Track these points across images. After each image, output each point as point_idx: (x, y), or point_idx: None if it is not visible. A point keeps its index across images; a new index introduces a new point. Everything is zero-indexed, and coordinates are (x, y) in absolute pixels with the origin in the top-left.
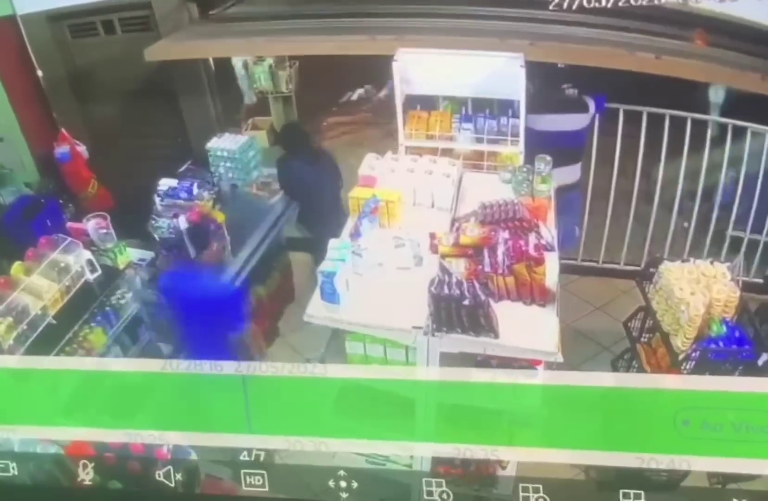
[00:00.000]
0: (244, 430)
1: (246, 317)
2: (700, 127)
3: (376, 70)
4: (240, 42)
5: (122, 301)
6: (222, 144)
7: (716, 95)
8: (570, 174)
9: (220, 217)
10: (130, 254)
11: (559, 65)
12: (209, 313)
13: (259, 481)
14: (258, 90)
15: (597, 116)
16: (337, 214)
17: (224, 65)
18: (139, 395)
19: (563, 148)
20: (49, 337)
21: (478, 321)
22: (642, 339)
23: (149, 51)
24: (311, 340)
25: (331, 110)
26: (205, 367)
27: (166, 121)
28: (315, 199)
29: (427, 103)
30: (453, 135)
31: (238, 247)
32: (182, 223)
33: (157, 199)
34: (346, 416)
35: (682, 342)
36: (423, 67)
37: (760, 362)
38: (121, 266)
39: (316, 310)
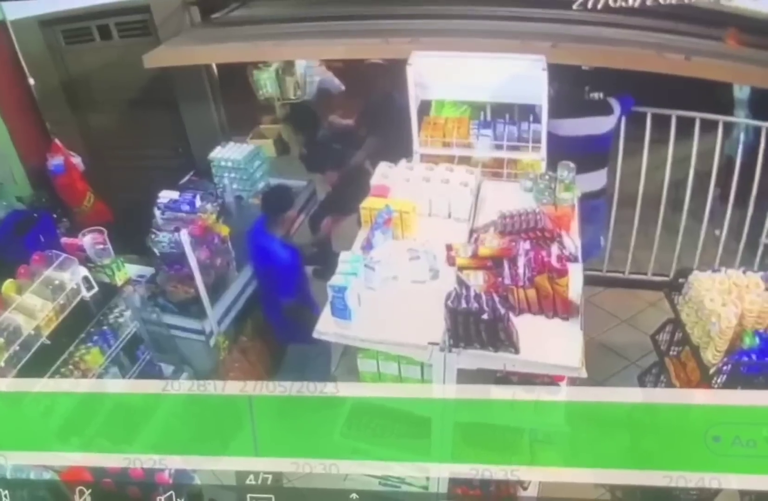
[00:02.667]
0: (251, 453)
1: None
2: (731, 130)
3: (389, 74)
4: (245, 46)
5: (120, 320)
6: (226, 154)
7: (742, 94)
8: (594, 181)
9: (224, 230)
10: (129, 270)
11: (582, 67)
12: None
13: None
14: (264, 97)
15: (623, 119)
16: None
17: (228, 71)
18: (139, 418)
19: (587, 153)
20: (43, 359)
21: (498, 336)
22: (671, 352)
23: (148, 57)
24: (321, 358)
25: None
26: (209, 387)
27: (167, 130)
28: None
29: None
30: (471, 142)
31: (244, 262)
32: (184, 237)
33: (157, 213)
34: (358, 437)
35: (712, 355)
36: (439, 71)
37: None
38: (119, 283)
39: (326, 326)
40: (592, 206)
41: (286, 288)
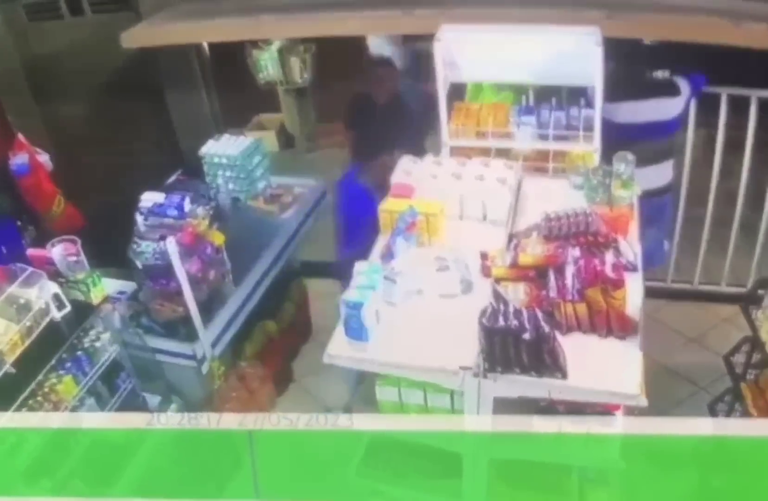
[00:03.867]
0: (251, 496)
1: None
2: None
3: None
4: (242, 22)
5: (97, 344)
6: (220, 148)
7: None
8: (659, 175)
9: (218, 238)
10: (107, 286)
11: (644, 41)
12: None
13: None
14: (264, 81)
15: (692, 101)
16: None
17: (222, 52)
18: (120, 456)
19: (650, 142)
20: (8, 389)
21: (542, 358)
22: (747, 377)
23: (127, 36)
24: (334, 385)
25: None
26: (202, 420)
27: (150, 121)
28: None
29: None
30: (510, 131)
31: (242, 275)
32: (171, 246)
33: (139, 218)
34: (378, 476)
35: None
36: (472, 48)
37: None
38: (96, 301)
39: (339, 348)
40: (655, 205)
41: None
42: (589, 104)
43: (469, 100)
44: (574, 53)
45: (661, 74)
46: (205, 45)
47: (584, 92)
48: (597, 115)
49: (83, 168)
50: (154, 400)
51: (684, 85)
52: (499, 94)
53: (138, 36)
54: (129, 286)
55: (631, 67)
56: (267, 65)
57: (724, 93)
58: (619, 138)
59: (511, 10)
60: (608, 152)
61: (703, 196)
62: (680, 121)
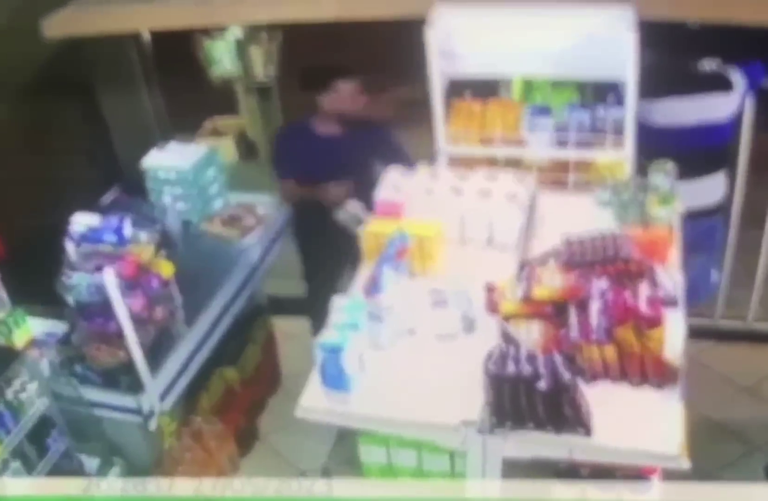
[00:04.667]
0: None
1: None
2: None
3: (402, 41)
4: (190, 5)
5: (23, 396)
6: (166, 160)
7: None
8: (707, 190)
9: (166, 269)
10: (32, 327)
11: (689, 25)
12: None
13: None
14: (219, 78)
15: (750, 99)
16: None
17: (168, 43)
18: None
19: (696, 149)
20: None
21: (561, 411)
22: None
23: (49, 22)
24: (308, 444)
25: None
26: (150, 487)
27: (80, 127)
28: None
29: (483, 89)
30: (522, 137)
31: (196, 313)
32: (109, 279)
33: (70, 245)
34: None
35: None
36: (473, 35)
37: None
38: (20, 345)
39: (314, 400)
40: (703, 228)
41: None
42: (620, 102)
43: (517, 99)
44: (602, 39)
45: (709, 65)
46: (146, 34)
47: (614, 88)
48: (629, 115)
49: (0, 184)
50: (92, 462)
51: (738, 78)
52: (558, 92)
53: (63, 22)
54: (59, 326)
55: (673, 57)
56: (222, 58)
57: None
58: (657, 144)
59: None
60: (644, 162)
61: (761, 216)
62: (734, 123)
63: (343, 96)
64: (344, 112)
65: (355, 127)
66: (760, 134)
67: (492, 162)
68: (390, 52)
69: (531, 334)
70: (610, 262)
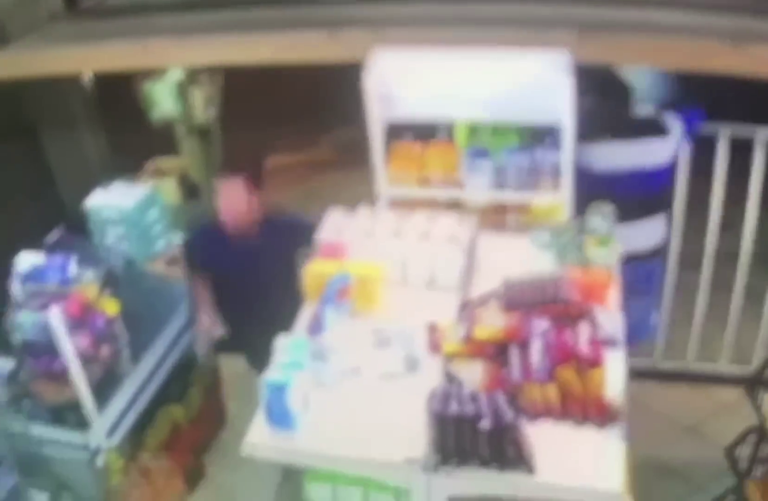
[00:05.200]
0: None
1: None
2: None
3: (342, 83)
4: (129, 46)
5: None
6: (109, 200)
7: None
8: (646, 233)
9: (112, 307)
10: None
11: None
12: None
13: None
14: (159, 119)
15: (686, 143)
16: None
17: (108, 83)
18: None
19: (634, 194)
20: None
21: (504, 450)
22: (753, 473)
23: None
24: (253, 482)
25: (274, 146)
26: None
27: (23, 167)
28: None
29: (422, 131)
30: (461, 179)
31: (141, 351)
32: (55, 317)
33: (15, 284)
34: None
35: None
36: (412, 78)
37: None
38: None
39: (260, 437)
40: (643, 270)
41: None
42: (557, 145)
43: (462, 142)
44: (539, 84)
45: (646, 109)
46: (88, 76)
47: (551, 131)
48: (566, 158)
49: None
50: (41, 497)
51: (674, 123)
52: (498, 136)
53: (4, 64)
54: (6, 364)
55: (610, 101)
56: (162, 100)
57: (724, 132)
58: (595, 189)
59: (461, 29)
60: (582, 206)
61: (698, 258)
62: (671, 168)
63: (230, 198)
64: (239, 213)
65: (263, 225)
66: (697, 178)
67: (432, 204)
68: (330, 94)
69: (473, 373)
70: (550, 303)
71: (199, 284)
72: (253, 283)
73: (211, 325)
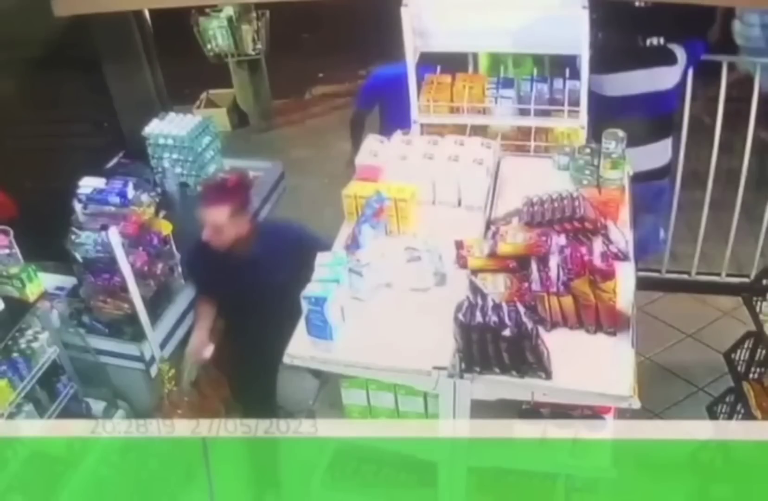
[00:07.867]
0: None
1: None
2: None
3: (379, 20)
4: None
5: (35, 345)
6: (165, 128)
7: None
8: (654, 155)
9: (166, 228)
10: (44, 281)
11: (636, 3)
12: None
13: None
14: (213, 52)
15: (691, 71)
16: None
17: (166, 20)
18: (62, 468)
19: (644, 118)
20: None
21: (524, 357)
22: (750, 375)
23: (58, 2)
24: (294, 388)
25: (317, 77)
26: (152, 428)
27: (87, 98)
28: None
29: (452, 63)
30: (488, 106)
31: None
32: (114, 237)
33: (77, 206)
34: (344, 487)
35: None
36: (444, 13)
37: None
38: (32, 298)
39: (300, 348)
40: (651, 189)
41: None
42: (575, 75)
43: (485, 72)
44: (558, 17)
45: (655, 41)
46: (147, 13)
47: (570, 61)
48: (584, 87)
49: (13, 152)
50: (98, 406)
51: (681, 53)
52: (519, 66)
53: (71, 2)
54: (68, 281)
55: (623, 33)
56: (216, 35)
57: (725, 61)
58: (609, 113)
59: None
60: (597, 129)
61: (702, 178)
62: (678, 94)
63: (214, 224)
64: (224, 237)
65: (254, 238)
66: (699, 104)
67: (461, 130)
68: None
69: (497, 286)
70: (567, 221)
71: (202, 305)
72: (254, 295)
73: (200, 346)
